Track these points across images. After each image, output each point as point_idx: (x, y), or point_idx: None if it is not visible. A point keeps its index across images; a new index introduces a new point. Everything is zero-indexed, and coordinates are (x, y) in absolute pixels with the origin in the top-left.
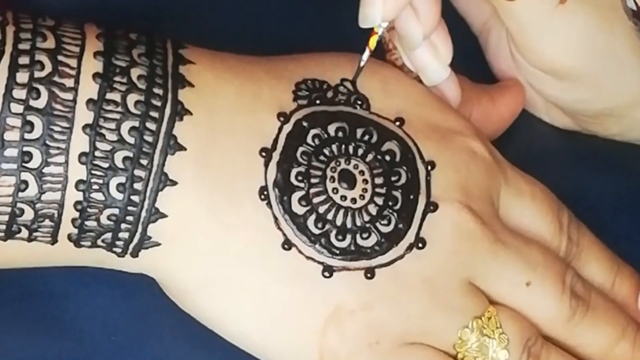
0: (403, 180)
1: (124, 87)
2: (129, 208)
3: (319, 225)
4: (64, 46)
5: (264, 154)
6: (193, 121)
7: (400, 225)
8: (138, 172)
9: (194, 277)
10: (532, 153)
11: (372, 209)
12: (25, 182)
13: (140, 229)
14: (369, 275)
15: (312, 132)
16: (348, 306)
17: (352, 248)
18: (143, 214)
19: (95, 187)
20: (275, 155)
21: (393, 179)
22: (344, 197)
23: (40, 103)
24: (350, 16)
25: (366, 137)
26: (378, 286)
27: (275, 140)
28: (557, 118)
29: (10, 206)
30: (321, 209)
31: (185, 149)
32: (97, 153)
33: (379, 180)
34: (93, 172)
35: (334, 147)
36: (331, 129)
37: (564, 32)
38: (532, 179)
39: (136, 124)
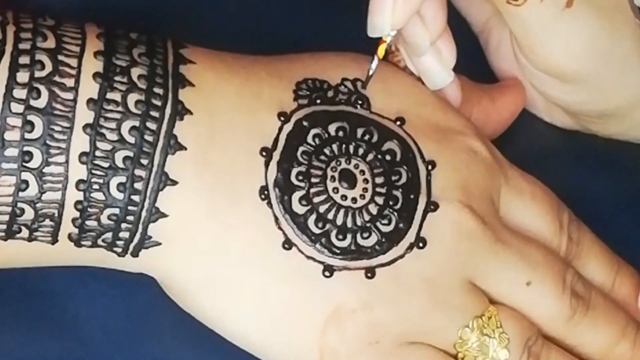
0: (403, 179)
1: (124, 87)
2: (130, 208)
3: (320, 224)
4: (65, 46)
5: (264, 153)
6: (193, 121)
7: (401, 225)
8: (138, 172)
9: (194, 276)
10: (532, 153)
11: (373, 209)
12: (26, 182)
13: (140, 229)
14: (369, 274)
15: (313, 131)
16: (348, 306)
17: (353, 248)
18: (143, 213)
19: (96, 186)
20: (276, 155)
21: (393, 178)
22: (344, 197)
23: (41, 103)
24: (350, 16)
25: (367, 137)
26: (378, 286)
27: (276, 140)
28: (557, 118)
29: (11, 206)
30: (322, 209)
31: (186, 149)
32: (97, 153)
33: (379, 180)
34: (93, 171)
35: (334, 146)
36: (332, 128)
37: (569, 36)
38: (532, 179)
39: (136, 123)
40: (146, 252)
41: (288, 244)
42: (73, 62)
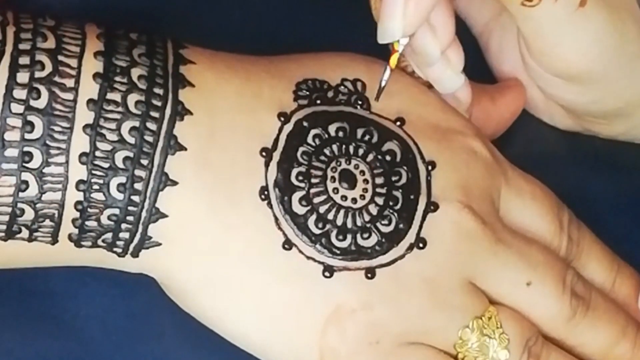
0: (403, 180)
1: (124, 87)
2: (130, 208)
3: (320, 225)
4: (65, 46)
5: (264, 153)
6: (193, 121)
7: (401, 225)
8: (138, 172)
9: (194, 276)
10: (533, 153)
11: (373, 209)
12: (26, 182)
13: (140, 229)
14: (369, 275)
15: (313, 132)
16: (348, 306)
17: (353, 248)
18: (143, 214)
19: (96, 187)
20: (276, 155)
21: (393, 179)
22: (344, 197)
23: (41, 103)
24: (350, 16)
25: (367, 137)
26: (378, 286)
27: (276, 140)
28: (558, 119)
29: (11, 206)
30: (322, 209)
31: (186, 149)
32: (97, 153)
33: (379, 180)
34: (93, 172)
35: (334, 147)
36: (332, 129)
37: (581, 36)
38: (532, 179)
39: (137, 124)
40: (146, 252)
41: (288, 244)
42: (73, 62)
